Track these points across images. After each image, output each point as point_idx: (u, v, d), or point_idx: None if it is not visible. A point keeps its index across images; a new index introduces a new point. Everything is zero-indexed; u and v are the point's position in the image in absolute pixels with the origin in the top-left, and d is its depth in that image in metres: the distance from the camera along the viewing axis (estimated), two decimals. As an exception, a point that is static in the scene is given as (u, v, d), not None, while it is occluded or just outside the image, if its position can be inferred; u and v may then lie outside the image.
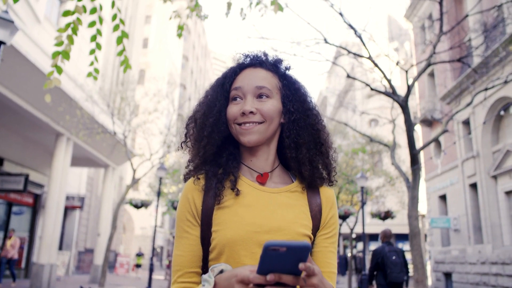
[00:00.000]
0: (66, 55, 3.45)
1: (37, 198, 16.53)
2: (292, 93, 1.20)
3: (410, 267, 8.45)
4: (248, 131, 1.14)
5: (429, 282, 21.59)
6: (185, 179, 1.22)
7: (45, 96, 3.57)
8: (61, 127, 12.96)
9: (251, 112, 1.14)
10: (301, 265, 0.83)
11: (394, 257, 6.90)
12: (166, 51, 38.92)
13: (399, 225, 27.71)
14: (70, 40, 3.47)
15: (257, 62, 1.23)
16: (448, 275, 18.71)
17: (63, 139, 13.39)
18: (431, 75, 21.17)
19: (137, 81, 27.16)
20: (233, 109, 1.17)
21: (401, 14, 23.58)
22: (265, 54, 1.25)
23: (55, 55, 3.43)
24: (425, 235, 25.25)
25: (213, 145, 1.19)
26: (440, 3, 8.88)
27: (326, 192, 1.22)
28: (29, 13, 12.38)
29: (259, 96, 1.16)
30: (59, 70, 3.48)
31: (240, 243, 1.07)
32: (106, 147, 15.67)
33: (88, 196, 21.73)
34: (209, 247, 1.12)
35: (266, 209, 1.12)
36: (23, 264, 15.83)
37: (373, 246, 33.75)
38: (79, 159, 16.71)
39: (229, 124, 1.19)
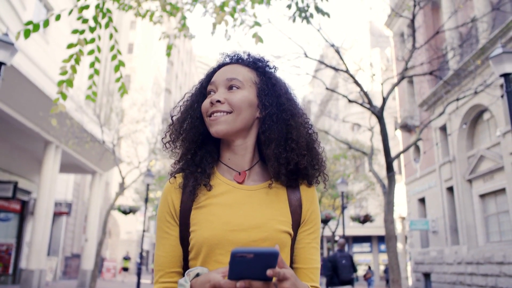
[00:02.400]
0: (70, 83, 3.86)
1: (24, 204, 16.61)
2: (268, 88, 1.19)
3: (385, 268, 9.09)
4: (216, 121, 1.13)
5: (410, 282, 22.24)
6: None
7: (52, 120, 3.97)
8: (51, 136, 13.18)
9: (219, 101, 1.14)
10: (268, 271, 0.83)
11: (344, 261, 8.50)
12: (151, 56, 39.15)
13: (379, 227, 28.37)
14: (74, 70, 3.88)
15: (235, 59, 1.24)
16: (427, 276, 19.31)
17: (52, 147, 13.61)
18: (411, 82, 21.84)
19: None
20: (205, 102, 1.18)
21: (382, 21, 24.27)
22: (249, 54, 1.26)
23: (60, 83, 3.83)
24: (406, 237, 25.93)
25: (189, 141, 1.20)
26: (412, 21, 9.45)
27: (306, 188, 1.20)
28: (16, 22, 12.42)
29: (230, 87, 1.16)
30: (64, 97, 3.89)
31: (217, 243, 1.07)
32: (95, 155, 15.88)
33: (75, 202, 21.89)
34: (188, 247, 1.12)
35: (244, 207, 1.12)
36: (10, 270, 15.95)
37: (356, 248, 34.50)
38: (67, 166, 16.87)
39: (204, 119, 1.19)
